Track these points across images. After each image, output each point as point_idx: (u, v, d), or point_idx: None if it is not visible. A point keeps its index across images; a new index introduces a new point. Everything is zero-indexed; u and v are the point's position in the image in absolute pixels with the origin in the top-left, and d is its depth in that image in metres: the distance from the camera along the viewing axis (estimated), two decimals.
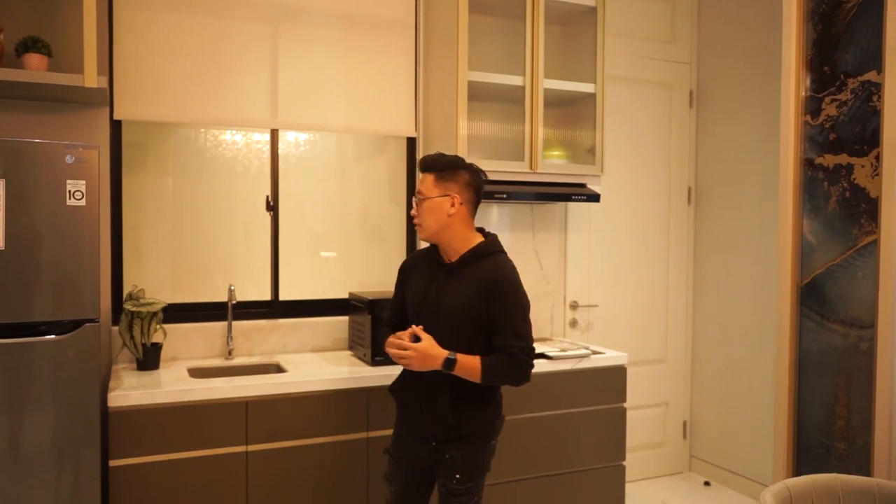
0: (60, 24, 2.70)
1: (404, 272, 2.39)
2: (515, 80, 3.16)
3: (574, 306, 3.74)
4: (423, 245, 2.71)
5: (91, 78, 2.49)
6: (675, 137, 4.01)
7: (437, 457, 2.21)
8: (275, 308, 3.20)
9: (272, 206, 3.19)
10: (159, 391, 2.44)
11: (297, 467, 2.61)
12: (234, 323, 3.06)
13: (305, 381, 2.66)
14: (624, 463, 3.19)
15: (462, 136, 3.04)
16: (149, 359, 2.75)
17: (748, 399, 3.72)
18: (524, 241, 3.60)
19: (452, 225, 2.19)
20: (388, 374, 2.74)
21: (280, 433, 2.59)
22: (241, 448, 2.54)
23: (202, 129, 3.14)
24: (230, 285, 2.97)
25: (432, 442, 2.21)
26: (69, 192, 2.23)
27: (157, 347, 2.78)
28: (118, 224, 2.95)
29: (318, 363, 2.95)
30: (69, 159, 2.23)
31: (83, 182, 2.25)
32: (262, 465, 2.56)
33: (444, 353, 2.08)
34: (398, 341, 2.12)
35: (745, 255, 3.75)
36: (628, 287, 3.92)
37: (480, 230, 2.28)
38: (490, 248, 2.22)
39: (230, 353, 3.01)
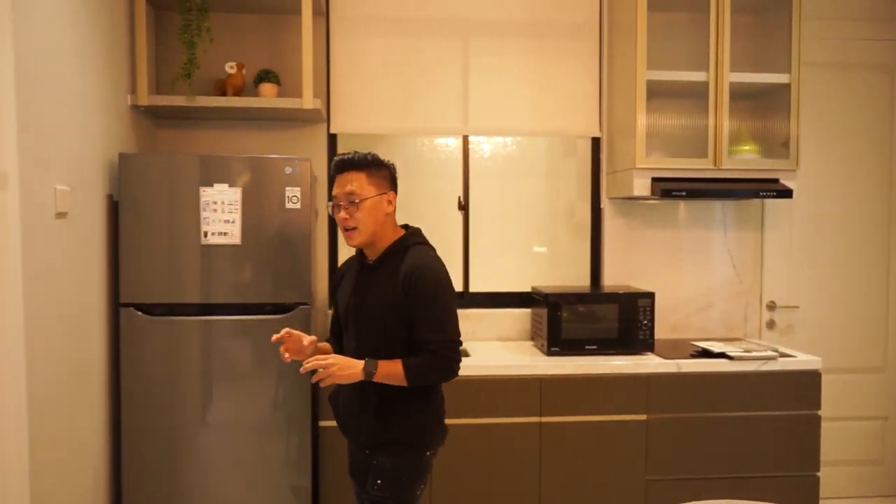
0: (287, 56, 3.24)
1: (337, 279, 2.30)
2: (699, 76, 3.12)
3: (771, 307, 3.57)
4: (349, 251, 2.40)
5: (308, 100, 2.97)
6: None
7: (369, 463, 2.13)
8: (464, 299, 3.50)
9: (463, 206, 3.50)
10: None
11: (475, 443, 2.87)
12: None
13: (484, 365, 2.91)
14: (818, 474, 3.02)
15: (640, 135, 3.08)
16: None
17: None
18: (715, 239, 3.52)
19: (386, 224, 2.09)
20: (561, 365, 2.91)
21: (461, 411, 2.87)
22: None
23: (423, 136, 3.54)
24: None
25: (366, 449, 2.13)
26: (287, 197, 2.70)
27: None
28: (334, 223, 3.44)
29: (499, 351, 3.20)
30: (288, 170, 2.70)
31: (298, 189, 2.71)
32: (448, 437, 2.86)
33: (360, 361, 1.97)
34: (317, 357, 1.97)
35: None
36: (837, 288, 3.63)
37: (405, 226, 2.18)
38: (409, 240, 2.11)
39: None
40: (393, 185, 2.11)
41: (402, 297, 1.99)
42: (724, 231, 3.52)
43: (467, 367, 2.86)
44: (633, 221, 3.49)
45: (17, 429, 1.85)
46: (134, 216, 2.66)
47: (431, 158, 3.59)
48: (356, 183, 2.02)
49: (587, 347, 3.05)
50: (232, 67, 3.04)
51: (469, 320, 3.45)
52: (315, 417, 2.85)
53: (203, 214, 2.66)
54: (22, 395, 1.85)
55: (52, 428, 2.21)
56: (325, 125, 3.34)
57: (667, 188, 3.04)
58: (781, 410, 2.97)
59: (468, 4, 3.40)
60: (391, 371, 1.97)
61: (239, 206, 2.67)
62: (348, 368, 1.94)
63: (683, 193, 3.06)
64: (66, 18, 2.32)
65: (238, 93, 3.05)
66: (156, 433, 2.72)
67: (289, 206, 2.71)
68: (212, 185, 2.66)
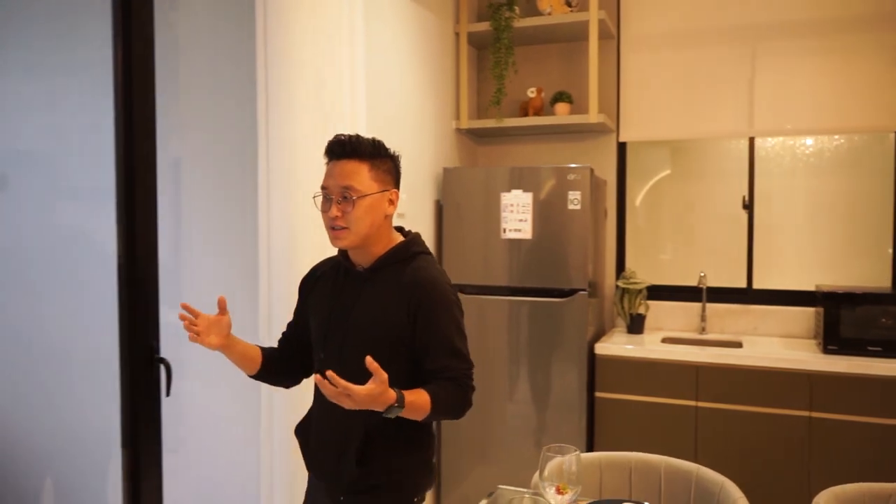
0: (579, 77, 3.74)
1: (305, 288, 1.87)
2: None
3: None
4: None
5: (593, 115, 3.45)
6: None
7: None
8: (748, 294, 3.63)
9: (748, 205, 3.62)
10: (626, 347, 3.25)
11: (738, 428, 3.06)
12: (709, 305, 3.63)
13: (752, 356, 3.07)
14: None
15: None
16: (634, 325, 3.58)
17: None
18: None
19: (383, 227, 1.71)
20: (835, 363, 2.94)
21: (725, 397, 3.08)
22: (692, 402, 3.14)
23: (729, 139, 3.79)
24: (700, 272, 3.55)
25: (340, 496, 1.71)
26: (569, 200, 3.22)
27: (640, 317, 3.58)
28: (622, 221, 3.85)
29: (774, 346, 3.29)
30: (570, 177, 3.22)
31: (579, 192, 3.20)
32: (708, 419, 3.10)
33: (393, 394, 1.50)
34: (341, 381, 1.45)
35: None
36: None
37: (399, 229, 1.81)
38: (411, 247, 1.74)
39: (703, 329, 3.59)
40: (397, 181, 1.74)
41: (406, 318, 1.64)
42: None
43: (737, 357, 3.07)
44: None
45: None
46: (454, 216, 3.43)
47: (718, 159, 3.77)
48: (356, 176, 1.64)
49: (869, 349, 2.99)
50: (532, 92, 3.65)
51: (752, 316, 3.57)
52: (591, 388, 3.32)
53: (503, 214, 3.31)
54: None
55: None
56: (614, 135, 3.77)
57: None
58: None
59: (755, 10, 3.52)
60: (416, 402, 1.56)
61: (530, 208, 3.27)
62: (374, 401, 1.47)
63: None
64: (406, 65, 3.17)
65: (538, 112, 3.66)
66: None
67: (570, 207, 3.22)
68: (510, 191, 3.30)
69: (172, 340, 2.10)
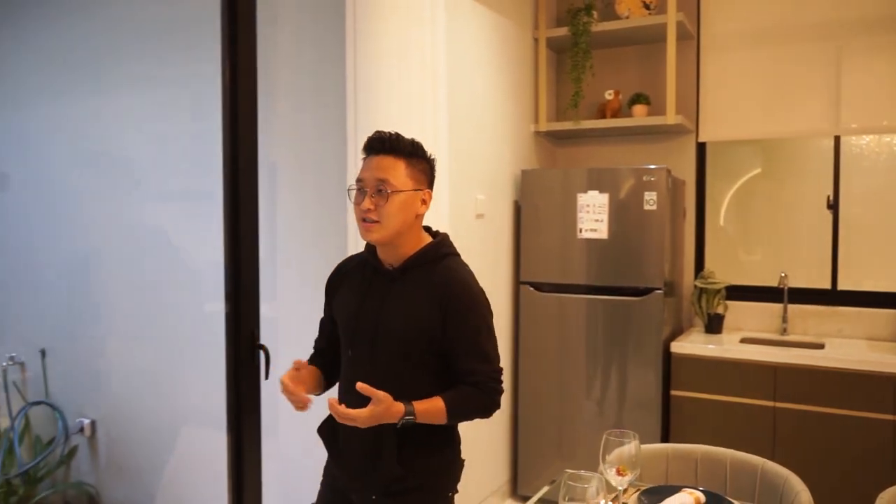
0: (657, 79, 3.77)
1: (332, 286, 1.87)
2: None
3: None
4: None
5: (671, 117, 3.48)
6: None
7: None
8: (832, 296, 3.56)
9: (832, 205, 3.56)
10: (703, 346, 3.27)
11: (818, 430, 3.03)
12: (791, 306, 3.59)
13: (830, 357, 3.05)
14: None
15: None
16: (712, 324, 3.58)
17: None
18: None
19: (414, 226, 1.72)
20: None
21: (805, 398, 3.06)
22: (769, 403, 3.13)
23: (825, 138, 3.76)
24: (781, 272, 3.52)
25: (372, 495, 1.72)
26: (645, 200, 3.27)
27: (719, 317, 3.58)
28: (701, 221, 3.85)
29: (859, 348, 3.23)
30: (646, 178, 3.27)
31: (655, 193, 3.25)
32: (786, 420, 3.09)
33: (401, 407, 1.57)
34: (342, 409, 1.55)
35: None
36: None
37: (427, 229, 1.81)
38: (441, 249, 1.75)
39: (784, 330, 3.56)
40: (431, 183, 1.76)
41: (437, 319, 1.66)
42: None
43: (817, 358, 3.05)
44: None
45: None
46: (531, 216, 3.54)
47: (803, 158, 3.72)
48: (393, 171, 1.66)
49: None
50: (610, 94, 3.72)
51: (838, 317, 3.52)
52: (667, 386, 3.36)
53: (579, 215, 3.40)
54: None
55: None
56: (692, 135, 3.78)
57: None
58: None
59: (839, 7, 3.46)
60: (432, 412, 1.62)
61: (606, 208, 3.34)
62: (380, 419, 1.57)
63: None
64: (486, 72, 3.30)
65: (615, 115, 3.72)
66: (546, 387, 3.55)
67: (646, 207, 3.27)
68: (586, 192, 3.38)
69: (268, 329, 2.32)
